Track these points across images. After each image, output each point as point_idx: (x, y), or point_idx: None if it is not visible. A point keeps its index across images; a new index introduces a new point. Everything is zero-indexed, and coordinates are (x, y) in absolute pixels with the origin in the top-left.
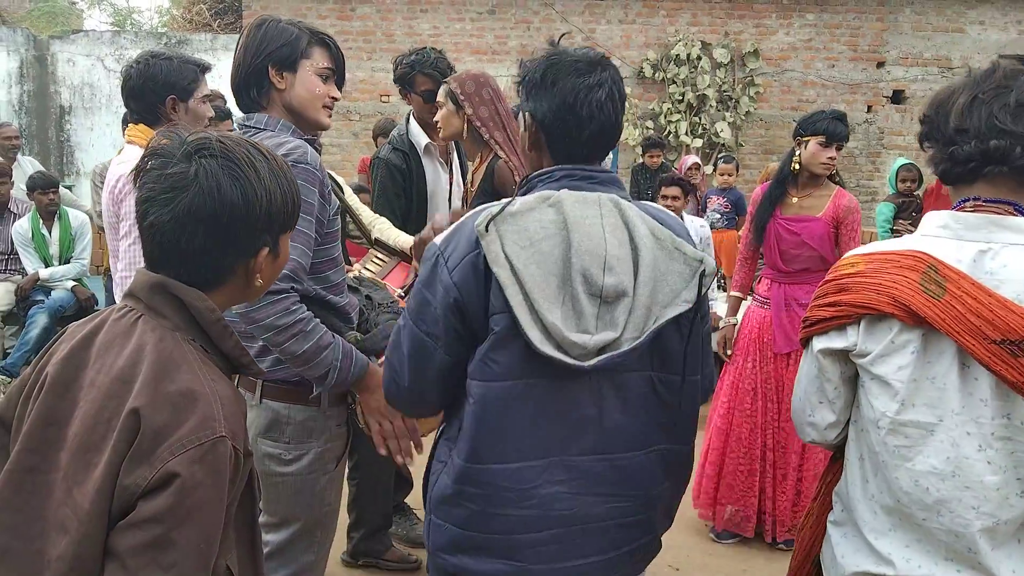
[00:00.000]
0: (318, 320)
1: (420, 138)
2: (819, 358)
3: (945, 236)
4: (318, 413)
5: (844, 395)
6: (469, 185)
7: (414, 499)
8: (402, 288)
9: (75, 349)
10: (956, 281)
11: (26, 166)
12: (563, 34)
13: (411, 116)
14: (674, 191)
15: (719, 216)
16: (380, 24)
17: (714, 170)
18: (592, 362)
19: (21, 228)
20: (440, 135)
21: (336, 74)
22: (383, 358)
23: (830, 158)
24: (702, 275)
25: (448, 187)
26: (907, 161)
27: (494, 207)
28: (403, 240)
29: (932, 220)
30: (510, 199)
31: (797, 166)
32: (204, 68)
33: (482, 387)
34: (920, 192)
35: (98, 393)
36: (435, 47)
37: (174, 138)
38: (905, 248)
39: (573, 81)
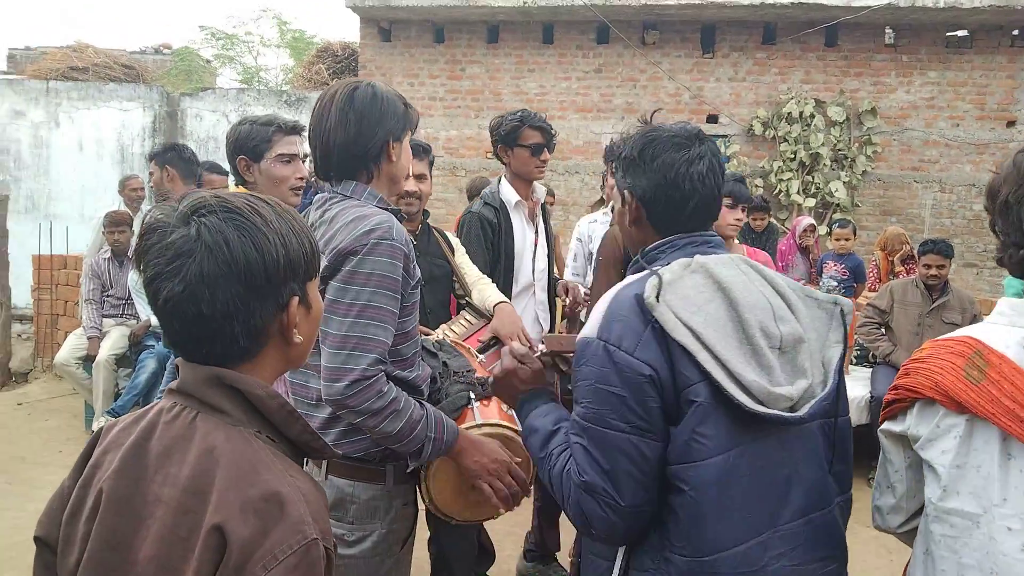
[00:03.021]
0: (406, 395)
1: (511, 196)
2: (881, 440)
3: (1001, 322)
4: (383, 492)
5: (906, 481)
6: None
7: (497, 570)
8: (480, 344)
9: (128, 460)
10: (997, 366)
11: None
12: (655, 111)
13: (503, 176)
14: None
15: (836, 283)
16: (488, 83)
17: (828, 232)
18: (802, 411)
19: (136, 275)
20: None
21: None
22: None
23: (737, 219)
24: (842, 313)
25: (533, 247)
26: None
27: (652, 279)
28: (494, 300)
29: (996, 307)
30: (649, 270)
31: None
32: (282, 128)
33: (695, 469)
34: None
35: (167, 509)
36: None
37: (167, 208)
38: (960, 334)
39: (672, 156)
